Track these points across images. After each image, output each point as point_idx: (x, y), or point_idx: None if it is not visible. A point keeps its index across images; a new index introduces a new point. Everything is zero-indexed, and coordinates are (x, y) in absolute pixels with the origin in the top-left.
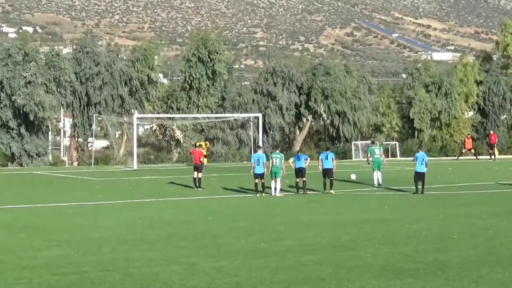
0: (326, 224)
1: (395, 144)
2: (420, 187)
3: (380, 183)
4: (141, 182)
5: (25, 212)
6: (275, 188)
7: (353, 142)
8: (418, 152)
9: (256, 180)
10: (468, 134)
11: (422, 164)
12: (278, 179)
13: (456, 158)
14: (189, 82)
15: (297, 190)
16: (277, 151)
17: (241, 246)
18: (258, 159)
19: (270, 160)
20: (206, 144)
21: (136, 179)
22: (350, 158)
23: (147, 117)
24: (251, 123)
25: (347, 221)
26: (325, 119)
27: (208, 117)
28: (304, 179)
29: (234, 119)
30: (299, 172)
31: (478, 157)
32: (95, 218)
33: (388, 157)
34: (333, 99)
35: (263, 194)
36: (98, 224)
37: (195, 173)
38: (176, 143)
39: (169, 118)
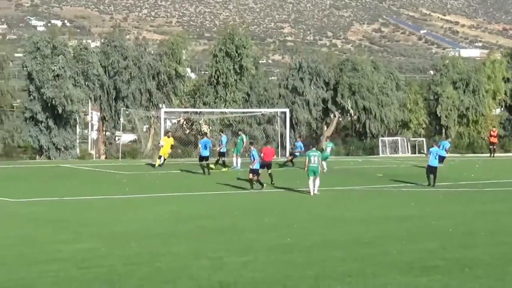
0: (352, 220)
1: (422, 140)
2: (432, 180)
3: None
4: (168, 176)
5: (52, 205)
6: (314, 187)
7: (380, 138)
8: (432, 146)
9: (251, 176)
10: (494, 127)
11: (435, 158)
12: (317, 178)
13: (491, 155)
14: (216, 76)
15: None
16: (314, 148)
17: (267, 241)
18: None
19: (307, 159)
20: (168, 137)
21: (163, 173)
22: (377, 154)
23: (174, 111)
24: (278, 118)
25: (373, 217)
26: (352, 115)
27: (235, 112)
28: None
29: (261, 114)
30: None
31: (495, 154)
32: (122, 212)
33: (415, 153)
34: (360, 95)
35: (262, 189)
36: (125, 218)
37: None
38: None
39: (196, 112)
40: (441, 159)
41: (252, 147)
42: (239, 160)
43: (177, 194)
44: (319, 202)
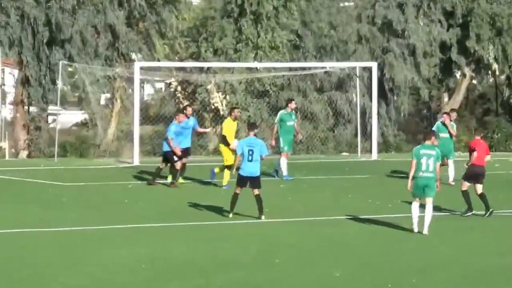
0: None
1: None
2: None
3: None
4: (146, 190)
5: None
6: (425, 218)
7: None
8: None
9: (238, 190)
10: None
11: None
12: (430, 199)
13: None
14: (241, 1)
15: None
16: (428, 142)
17: None
18: (252, 149)
19: (414, 161)
20: (235, 113)
21: (138, 185)
22: None
23: (160, 66)
24: (357, 80)
25: None
26: (497, 73)
27: (274, 69)
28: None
29: (324, 73)
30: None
31: None
32: (60, 259)
33: None
34: (510, 36)
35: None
36: (65, 269)
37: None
38: (214, 115)
39: (202, 69)
40: None
41: (252, 133)
42: (285, 161)
43: (162, 224)
44: (434, 242)
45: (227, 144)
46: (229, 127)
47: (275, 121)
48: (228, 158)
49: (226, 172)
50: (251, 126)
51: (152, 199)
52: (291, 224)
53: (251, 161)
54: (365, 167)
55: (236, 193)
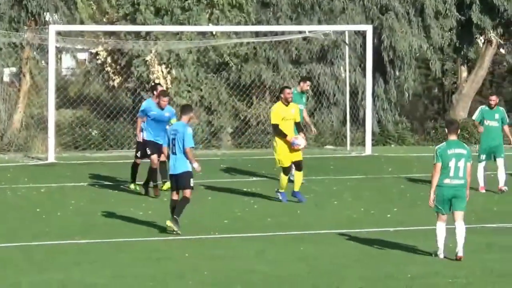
0: None
1: None
2: None
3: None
4: (66, 196)
5: None
6: (458, 238)
7: None
8: None
9: (173, 195)
10: None
11: None
12: (461, 214)
13: None
14: None
15: None
16: (454, 137)
17: None
18: (174, 138)
19: (438, 165)
20: (285, 94)
21: (54, 188)
22: None
23: (83, 30)
24: (346, 49)
25: None
26: None
27: (236, 33)
28: None
29: (303, 39)
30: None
31: None
32: None
33: None
34: None
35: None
36: None
37: None
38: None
39: (138, 34)
40: None
41: (185, 118)
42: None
43: (90, 241)
44: (448, 266)
45: (283, 135)
46: (278, 112)
47: None
48: (282, 157)
49: (283, 177)
50: (184, 109)
51: (76, 207)
52: (255, 241)
53: (174, 153)
54: (357, 165)
55: (172, 200)
